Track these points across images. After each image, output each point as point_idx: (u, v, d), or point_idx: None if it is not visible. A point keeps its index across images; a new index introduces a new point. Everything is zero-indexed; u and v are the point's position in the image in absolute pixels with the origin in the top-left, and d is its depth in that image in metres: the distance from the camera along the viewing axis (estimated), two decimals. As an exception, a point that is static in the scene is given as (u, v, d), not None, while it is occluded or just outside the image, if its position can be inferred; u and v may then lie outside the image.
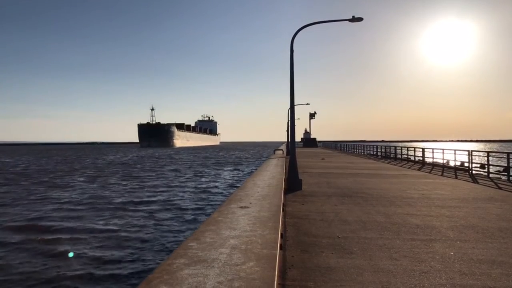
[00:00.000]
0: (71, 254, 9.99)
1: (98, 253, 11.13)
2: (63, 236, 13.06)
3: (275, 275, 3.27)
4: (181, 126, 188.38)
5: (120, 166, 50.27)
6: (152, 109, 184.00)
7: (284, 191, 9.83)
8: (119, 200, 20.89)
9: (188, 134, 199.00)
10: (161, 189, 25.67)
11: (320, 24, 14.99)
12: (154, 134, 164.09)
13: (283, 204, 7.79)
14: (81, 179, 33.25)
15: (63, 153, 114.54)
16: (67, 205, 19.39)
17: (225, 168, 44.68)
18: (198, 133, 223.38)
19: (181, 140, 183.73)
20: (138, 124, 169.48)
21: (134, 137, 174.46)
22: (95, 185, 28.16)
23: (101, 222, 15.27)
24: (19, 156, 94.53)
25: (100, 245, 12.01)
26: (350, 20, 14.43)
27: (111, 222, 15.25)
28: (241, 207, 6.51)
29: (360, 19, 14.42)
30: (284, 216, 8.35)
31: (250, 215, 5.82)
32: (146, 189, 25.82)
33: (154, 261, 10.37)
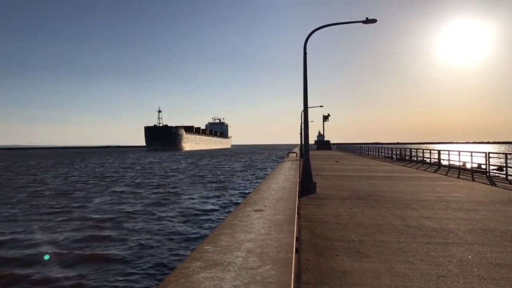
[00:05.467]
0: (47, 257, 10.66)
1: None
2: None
3: (291, 278, 3.27)
4: (190, 129, 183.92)
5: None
6: (159, 111, 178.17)
7: (298, 194, 9.81)
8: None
9: (197, 137, 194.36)
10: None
11: (334, 26, 14.96)
12: (161, 137, 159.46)
13: (297, 207, 7.78)
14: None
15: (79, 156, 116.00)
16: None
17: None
18: (208, 136, 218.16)
19: (190, 143, 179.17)
20: (145, 127, 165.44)
21: (142, 141, 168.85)
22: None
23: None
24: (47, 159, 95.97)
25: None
26: (363, 22, 14.36)
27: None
28: (256, 210, 6.51)
29: (374, 21, 14.35)
30: (299, 219, 8.33)
31: (265, 218, 5.82)
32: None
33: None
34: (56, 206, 20.11)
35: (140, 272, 10.00)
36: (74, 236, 13.59)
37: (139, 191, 26.44)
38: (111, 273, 9.93)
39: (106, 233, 14.14)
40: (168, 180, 34.89)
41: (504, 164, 19.42)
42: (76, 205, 20.64)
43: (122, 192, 26.29)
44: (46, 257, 10.92)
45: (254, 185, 28.61)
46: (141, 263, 10.64)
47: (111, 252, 11.70)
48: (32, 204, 21.08)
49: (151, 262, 10.75)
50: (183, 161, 71.55)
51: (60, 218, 16.75)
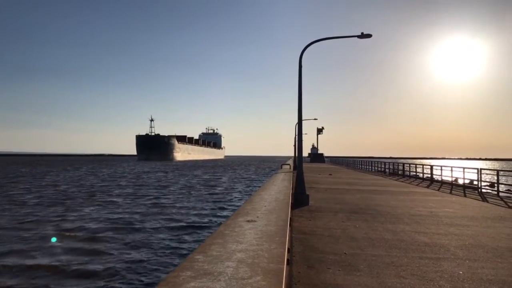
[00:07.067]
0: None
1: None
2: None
3: (281, 290, 3.25)
4: (182, 139, 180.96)
5: (127, 178, 49.94)
6: (152, 120, 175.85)
7: (291, 206, 9.79)
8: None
9: (190, 147, 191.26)
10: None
11: (329, 40, 15.10)
12: (153, 146, 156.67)
13: (290, 219, 7.76)
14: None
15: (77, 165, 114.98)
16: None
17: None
18: (201, 146, 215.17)
19: (182, 153, 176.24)
20: (136, 136, 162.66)
21: (134, 149, 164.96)
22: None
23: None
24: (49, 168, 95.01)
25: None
26: (359, 37, 14.52)
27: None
28: (248, 221, 6.49)
29: (369, 36, 14.52)
30: (291, 231, 8.30)
31: (257, 229, 5.79)
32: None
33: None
34: (38, 217, 19.87)
35: (129, 282, 9.87)
36: (57, 249, 13.35)
37: (129, 202, 26.23)
38: (99, 284, 9.79)
39: (93, 244, 13.96)
40: (159, 191, 34.69)
41: (495, 181, 19.57)
42: (61, 214, 20.42)
43: (111, 202, 26.07)
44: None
45: (246, 196, 28.50)
46: (130, 273, 10.50)
47: (98, 263, 11.54)
48: (13, 214, 20.84)
49: (140, 272, 10.62)
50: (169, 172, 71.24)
51: (45, 231, 16.50)
